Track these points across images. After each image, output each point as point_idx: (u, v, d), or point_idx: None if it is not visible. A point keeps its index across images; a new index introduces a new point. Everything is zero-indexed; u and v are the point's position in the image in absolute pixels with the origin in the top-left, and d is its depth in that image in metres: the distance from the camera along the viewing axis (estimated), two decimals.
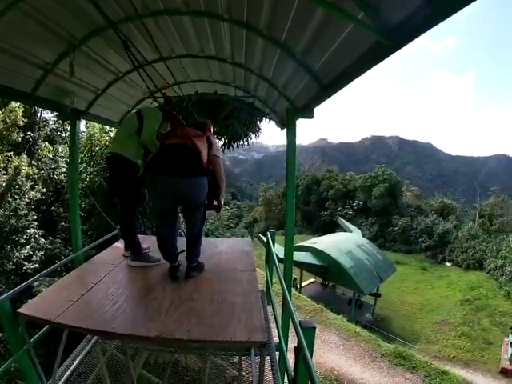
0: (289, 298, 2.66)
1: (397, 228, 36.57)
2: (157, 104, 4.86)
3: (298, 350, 1.92)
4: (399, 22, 1.57)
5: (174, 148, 3.04)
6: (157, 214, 3.34)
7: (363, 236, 26.79)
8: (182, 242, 3.32)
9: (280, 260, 3.83)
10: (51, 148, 9.21)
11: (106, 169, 7.74)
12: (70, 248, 7.05)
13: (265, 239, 4.76)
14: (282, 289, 2.98)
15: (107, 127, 8.32)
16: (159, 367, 4.11)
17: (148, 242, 3.79)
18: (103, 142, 8.20)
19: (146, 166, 3.24)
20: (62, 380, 2.84)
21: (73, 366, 3.05)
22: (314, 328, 2.04)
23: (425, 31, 1.46)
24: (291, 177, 3.97)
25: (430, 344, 16.22)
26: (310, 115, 3.69)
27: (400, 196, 41.49)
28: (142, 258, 3.51)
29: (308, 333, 1.97)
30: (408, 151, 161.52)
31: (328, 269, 19.32)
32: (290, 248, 4.06)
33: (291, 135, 3.83)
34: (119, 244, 4.17)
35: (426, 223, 35.02)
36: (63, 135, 9.40)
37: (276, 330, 3.26)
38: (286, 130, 4.29)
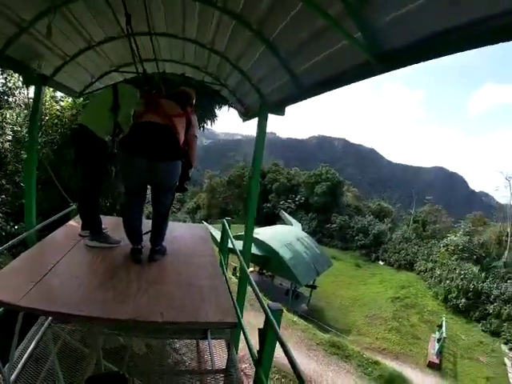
0: (254, 284, 2.73)
1: (335, 225, 38.43)
2: (122, 79, 4.70)
3: (266, 331, 2.07)
4: (394, 49, 1.74)
5: (152, 128, 2.89)
6: (125, 193, 3.20)
7: (303, 230, 27.71)
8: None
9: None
10: None
11: (55, 140, 7.25)
12: (11, 224, 6.50)
13: (209, 227, 4.83)
14: (243, 273, 3.06)
15: (58, 96, 7.74)
16: (113, 354, 3.95)
17: (104, 223, 3.67)
18: (53, 112, 7.60)
19: (120, 144, 3.09)
20: (19, 366, 2.67)
21: (28, 351, 2.88)
22: (282, 310, 2.20)
23: (417, 62, 1.65)
24: (257, 169, 4.10)
25: (361, 336, 17.26)
26: (281, 112, 3.82)
27: (341, 195, 43.60)
28: (102, 238, 3.34)
29: (276, 314, 2.09)
30: (352, 154, 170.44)
31: (268, 259, 19.85)
32: (249, 237, 4.21)
33: (261, 129, 3.91)
34: (74, 222, 3.93)
35: (363, 223, 37.21)
36: (10, 99, 8.52)
37: None
38: (248, 121, 4.41)
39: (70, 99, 7.63)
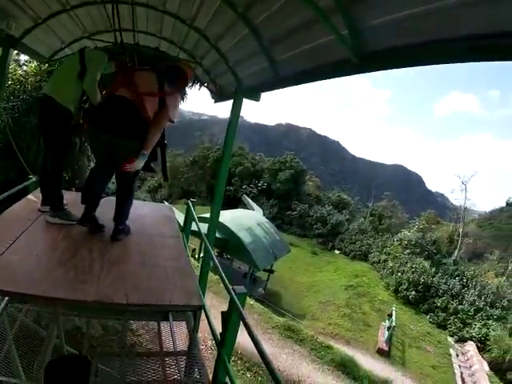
0: (220, 267, 2.70)
1: (295, 213, 39.07)
2: (94, 46, 4.44)
3: (230, 314, 2.11)
4: (378, 50, 1.79)
5: (119, 103, 2.77)
6: (95, 162, 3.14)
7: (264, 215, 27.97)
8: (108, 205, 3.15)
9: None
10: None
11: (16, 107, 6.74)
12: None
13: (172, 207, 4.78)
14: (207, 255, 3.05)
15: (22, 59, 7.18)
16: (70, 336, 3.80)
17: (66, 198, 3.51)
18: (16, 77, 7.02)
19: (89, 116, 2.98)
20: None
21: None
22: (246, 293, 2.24)
23: (398, 67, 1.71)
24: (228, 152, 4.07)
25: (315, 321, 17.75)
26: (256, 98, 3.82)
27: (302, 184, 44.23)
28: (63, 214, 3.18)
29: (241, 298, 2.13)
30: (317, 144, 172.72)
31: (227, 242, 19.89)
32: (214, 220, 4.23)
33: (235, 112, 3.92)
34: (33, 197, 3.70)
35: (322, 212, 37.91)
36: None
37: None
38: (221, 103, 4.34)
39: (35, 64, 7.10)
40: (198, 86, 9.95)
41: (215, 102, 5.34)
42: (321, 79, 2.47)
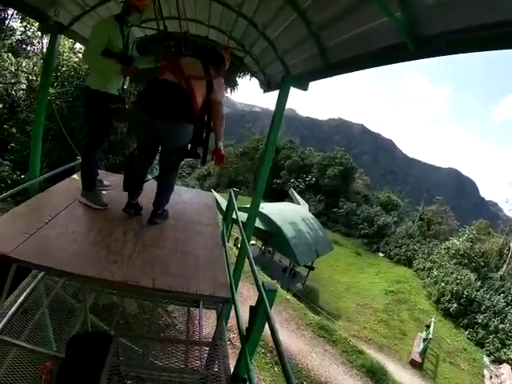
0: (252, 259, 2.61)
1: (341, 210, 38.26)
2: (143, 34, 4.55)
3: (257, 310, 2.02)
4: (433, 34, 1.58)
5: (166, 86, 2.76)
6: (137, 147, 3.12)
7: (309, 211, 27.62)
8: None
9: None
10: (14, 61, 8.16)
11: (70, 92, 7.16)
12: (18, 173, 6.51)
13: (217, 195, 4.78)
14: (243, 246, 2.99)
15: (77, 47, 7.57)
16: (101, 311, 3.96)
17: (111, 180, 3.58)
18: (71, 64, 7.44)
19: (136, 99, 3.03)
20: (7, 316, 2.63)
21: (17, 302, 2.83)
22: (276, 290, 2.14)
23: (457, 53, 1.50)
24: (272, 142, 3.94)
25: (350, 323, 17.37)
26: (304, 87, 3.67)
27: (351, 182, 43.15)
28: (91, 196, 3.16)
29: (270, 294, 2.02)
30: (369, 141, 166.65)
31: (270, 234, 19.90)
32: (254, 210, 4.16)
33: (282, 101, 3.75)
34: (77, 176, 3.77)
35: (369, 212, 36.87)
36: (28, 48, 8.39)
37: None
38: (270, 93, 4.22)
39: None
40: (248, 76, 9.91)
41: (264, 91, 5.27)
42: (372, 66, 2.27)
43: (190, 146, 3.02)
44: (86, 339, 2.19)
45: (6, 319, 2.58)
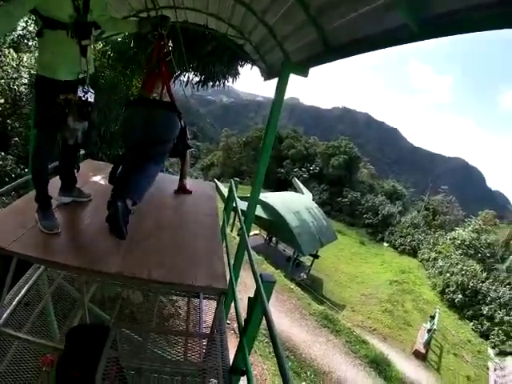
0: (250, 249, 2.65)
1: (346, 200, 38.04)
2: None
3: (255, 301, 1.99)
4: (436, 15, 1.51)
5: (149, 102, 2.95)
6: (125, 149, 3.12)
7: (313, 200, 27.47)
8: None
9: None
10: (15, 56, 8.14)
11: None
12: (21, 167, 6.51)
13: (220, 185, 4.75)
14: (243, 237, 2.97)
15: None
16: (106, 301, 3.98)
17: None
18: None
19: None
20: (9, 309, 2.62)
21: (19, 295, 2.83)
22: (274, 282, 2.10)
23: (455, 34, 1.44)
24: (272, 129, 3.87)
25: (354, 313, 17.32)
26: (305, 74, 3.59)
27: (356, 171, 42.75)
28: (41, 216, 2.43)
29: (267, 286, 2.00)
30: (373, 130, 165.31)
31: (273, 223, 19.77)
32: (254, 198, 4.13)
33: (281, 88, 3.69)
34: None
35: (374, 202, 36.66)
36: (30, 43, 8.31)
37: None
38: (271, 80, 4.14)
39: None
40: (249, 64, 9.78)
41: (265, 80, 5.22)
42: (374, 49, 2.19)
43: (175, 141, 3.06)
44: (83, 331, 2.18)
45: (8, 311, 2.59)
